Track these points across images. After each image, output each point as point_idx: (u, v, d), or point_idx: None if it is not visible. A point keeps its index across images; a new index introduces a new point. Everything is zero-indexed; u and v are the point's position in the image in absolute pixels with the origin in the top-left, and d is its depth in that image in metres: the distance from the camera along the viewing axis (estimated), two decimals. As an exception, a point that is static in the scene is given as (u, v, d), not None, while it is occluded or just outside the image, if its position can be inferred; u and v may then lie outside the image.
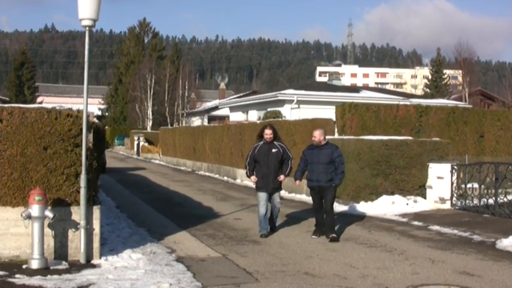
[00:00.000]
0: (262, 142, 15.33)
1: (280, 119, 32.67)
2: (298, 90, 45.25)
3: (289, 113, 41.20)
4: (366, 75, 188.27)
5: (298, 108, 42.16)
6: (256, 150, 15.32)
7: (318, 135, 15.02)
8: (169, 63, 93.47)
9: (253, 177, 15.43)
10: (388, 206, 19.63)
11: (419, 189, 20.54)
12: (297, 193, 24.65)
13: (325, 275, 10.88)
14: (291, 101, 42.70)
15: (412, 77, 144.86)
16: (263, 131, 15.37)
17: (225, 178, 33.98)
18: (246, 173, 15.90)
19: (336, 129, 24.32)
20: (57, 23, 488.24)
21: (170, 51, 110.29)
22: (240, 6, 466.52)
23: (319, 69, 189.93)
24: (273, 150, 15.19)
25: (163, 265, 11.42)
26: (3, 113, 11.36)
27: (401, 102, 29.90)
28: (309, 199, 22.82)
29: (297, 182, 15.33)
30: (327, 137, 22.11)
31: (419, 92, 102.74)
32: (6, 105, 12.01)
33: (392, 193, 20.20)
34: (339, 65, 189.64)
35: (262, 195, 15.25)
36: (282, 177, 15.16)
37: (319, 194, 15.02)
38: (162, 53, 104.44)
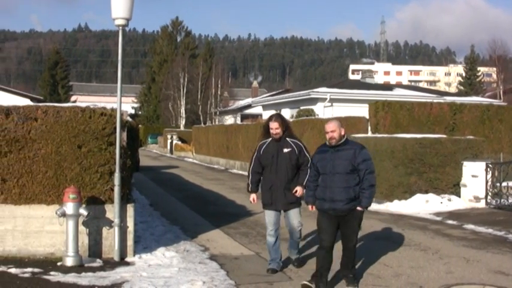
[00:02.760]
0: (270, 139, 11.13)
1: (313, 117, 32.60)
2: (331, 89, 45.10)
3: (322, 111, 41.08)
4: (399, 73, 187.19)
5: (331, 106, 42.00)
6: (262, 150, 11.11)
7: (332, 127, 9.78)
8: (202, 62, 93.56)
9: (253, 196, 11.18)
10: (422, 205, 19.51)
11: (454, 188, 20.38)
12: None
13: (358, 273, 10.83)
14: (324, 99, 42.55)
15: (445, 75, 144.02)
16: (268, 124, 11.23)
17: (259, 176, 33.96)
18: (248, 186, 11.34)
19: (369, 127, 24.23)
20: (90, 23, 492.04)
21: (203, 49, 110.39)
22: (273, 4, 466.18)
23: (352, 67, 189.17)
24: (285, 150, 10.91)
25: (197, 263, 11.45)
26: (38, 111, 11.47)
27: (435, 100, 29.69)
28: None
29: (310, 206, 10.17)
30: (358, 135, 22.13)
31: (453, 89, 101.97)
32: (40, 104, 12.13)
33: (426, 191, 20.06)
34: (372, 63, 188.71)
35: (270, 215, 10.95)
36: (298, 190, 10.75)
37: (333, 222, 9.69)
38: (194, 52, 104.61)
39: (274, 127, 10.95)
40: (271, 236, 10.95)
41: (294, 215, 10.94)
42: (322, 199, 9.75)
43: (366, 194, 9.57)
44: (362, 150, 9.74)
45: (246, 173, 30.35)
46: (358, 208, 9.59)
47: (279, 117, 11.22)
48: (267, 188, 10.97)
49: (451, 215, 18.23)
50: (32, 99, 54.09)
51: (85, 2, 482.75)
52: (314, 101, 43.12)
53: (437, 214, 18.40)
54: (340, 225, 9.70)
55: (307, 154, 10.97)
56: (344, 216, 9.62)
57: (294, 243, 11.25)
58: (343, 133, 9.85)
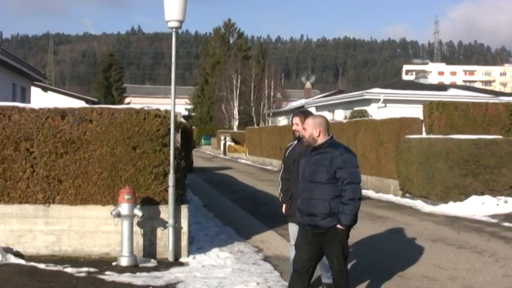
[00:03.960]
0: (296, 141, 9.57)
1: (366, 118, 32.42)
2: (384, 89, 44.83)
3: (375, 112, 40.84)
4: (453, 73, 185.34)
5: (385, 107, 41.75)
6: (287, 153, 9.74)
7: (304, 125, 8.37)
8: (254, 63, 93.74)
9: (285, 207, 9.72)
10: (478, 207, 19.25)
11: (510, 190, 20.07)
12: (384, 193, 24.43)
13: (413, 275, 10.75)
14: (377, 100, 42.32)
15: (501, 75, 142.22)
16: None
17: (311, 177, 33.84)
18: (279, 195, 10.12)
19: (423, 128, 24.01)
20: (143, 25, 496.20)
21: (255, 51, 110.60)
22: (325, 4, 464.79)
23: (405, 67, 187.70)
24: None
25: (251, 264, 11.47)
26: (93, 113, 11.60)
27: (490, 101, 29.29)
28: (398, 199, 22.65)
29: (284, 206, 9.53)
30: (412, 136, 21.94)
31: (508, 89, 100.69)
32: (95, 106, 12.26)
33: (482, 193, 19.79)
34: (426, 63, 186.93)
35: (291, 227, 9.52)
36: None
37: (311, 241, 8.17)
38: (247, 53, 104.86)
39: (295, 123, 9.41)
40: (292, 251, 9.08)
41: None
42: (299, 211, 8.27)
43: (345, 210, 7.81)
44: (342, 155, 7.94)
45: (299, 174, 29.60)
46: (338, 226, 7.89)
47: (300, 112, 9.61)
48: (288, 197, 9.53)
49: (508, 217, 17.95)
50: (86, 101, 54.70)
51: (138, 5, 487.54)
52: (367, 101, 42.91)
53: (493, 216, 18.14)
54: (322, 245, 8.12)
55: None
56: (324, 235, 8.01)
57: (325, 265, 9.12)
58: (317, 133, 8.09)
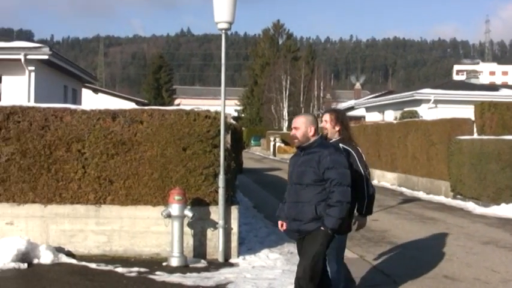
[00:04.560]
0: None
1: (417, 119, 32.17)
2: (435, 90, 44.39)
3: (426, 112, 40.47)
4: (505, 73, 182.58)
5: (436, 107, 41.34)
6: None
7: (295, 123, 7.81)
8: (303, 64, 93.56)
9: None
10: (531, 208, 18.98)
11: None
12: (435, 194, 24.20)
13: (465, 278, 10.63)
14: (427, 101, 41.93)
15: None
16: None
17: (361, 178, 33.66)
18: None
19: (475, 129, 23.74)
20: (192, 27, 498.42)
21: (304, 52, 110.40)
22: (374, 5, 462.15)
23: (456, 67, 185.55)
24: None
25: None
26: (143, 114, 11.69)
27: (544, 100, 28.84)
28: (449, 201, 22.41)
29: (279, 223, 8.26)
30: (463, 137, 21.68)
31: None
32: (146, 107, 12.36)
33: (536, 195, 19.50)
34: (477, 63, 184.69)
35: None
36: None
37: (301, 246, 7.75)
38: (296, 54, 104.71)
39: (324, 119, 8.77)
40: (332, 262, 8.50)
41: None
42: (287, 217, 7.78)
43: (331, 212, 7.25)
44: (331, 155, 7.43)
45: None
46: (321, 228, 7.31)
47: (333, 110, 9.19)
48: None
49: (562, 218, 17.68)
50: (136, 102, 55.16)
51: (187, 6, 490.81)
52: (418, 102, 42.54)
53: (547, 218, 17.86)
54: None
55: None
56: (306, 237, 7.54)
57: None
58: (311, 132, 7.65)
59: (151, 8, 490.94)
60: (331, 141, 8.45)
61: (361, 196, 8.43)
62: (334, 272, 8.35)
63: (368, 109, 55.59)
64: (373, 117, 52.20)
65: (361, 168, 8.49)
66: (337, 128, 8.64)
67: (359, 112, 64.42)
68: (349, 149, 8.45)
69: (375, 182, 31.26)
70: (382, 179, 30.97)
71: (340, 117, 8.75)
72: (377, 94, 76.05)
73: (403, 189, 27.01)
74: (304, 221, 7.41)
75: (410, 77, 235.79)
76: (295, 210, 7.51)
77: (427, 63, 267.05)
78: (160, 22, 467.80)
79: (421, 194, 24.76)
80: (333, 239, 7.54)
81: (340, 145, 8.35)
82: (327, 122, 8.70)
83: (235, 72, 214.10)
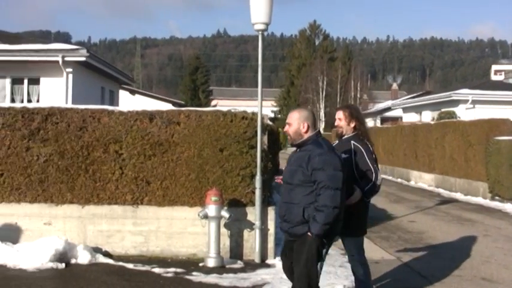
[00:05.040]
0: (337, 140, 8.65)
1: (454, 120, 31.91)
2: (472, 90, 43.95)
3: (463, 113, 40.12)
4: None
5: (473, 108, 40.96)
6: None
7: (289, 119, 7.35)
8: (340, 65, 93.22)
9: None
10: None
11: None
12: (472, 195, 23.97)
13: (503, 281, 10.52)
14: (465, 101, 41.55)
15: None
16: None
17: (399, 180, 33.53)
18: None
19: (513, 130, 23.48)
20: (229, 28, 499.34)
21: (341, 52, 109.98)
22: (411, 5, 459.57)
23: (494, 67, 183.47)
24: (342, 155, 7.66)
25: (337, 266, 11.38)
26: (180, 116, 11.74)
27: None
28: (487, 202, 22.20)
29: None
30: (502, 137, 21.45)
31: None
32: (183, 108, 12.41)
33: None
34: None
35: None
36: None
37: (291, 247, 7.30)
38: (333, 55, 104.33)
39: (338, 117, 8.48)
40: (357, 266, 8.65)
41: (346, 244, 8.63)
42: (279, 217, 7.42)
43: (316, 217, 6.75)
44: (322, 156, 6.90)
45: (386, 177, 29.55)
46: (308, 233, 6.87)
47: (345, 106, 8.81)
48: None
49: None
50: (173, 103, 55.35)
51: (224, 8, 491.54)
52: (455, 102, 42.18)
53: None
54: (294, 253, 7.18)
55: (367, 160, 8.09)
56: (295, 242, 7.13)
57: None
58: (304, 129, 7.16)
59: (187, 10, 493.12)
60: (344, 137, 8.31)
61: (368, 182, 8.14)
62: (362, 275, 8.24)
63: (405, 110, 55.24)
64: (410, 118, 51.87)
65: (369, 163, 8.16)
66: (352, 125, 8.35)
67: (396, 113, 64.00)
68: (359, 146, 8.13)
69: (412, 183, 31.14)
70: (419, 180, 30.77)
71: (355, 113, 8.48)
72: (414, 95, 75.56)
73: (441, 191, 26.80)
74: (292, 223, 7.02)
75: (448, 78, 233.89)
76: (284, 210, 7.13)
77: (465, 63, 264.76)
78: (196, 23, 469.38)
79: (458, 195, 24.55)
80: (324, 243, 7.02)
81: (352, 142, 8.13)
82: (340, 119, 8.39)
83: (271, 73, 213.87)
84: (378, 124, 68.45)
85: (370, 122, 76.40)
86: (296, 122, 7.17)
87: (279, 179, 7.91)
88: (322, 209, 6.71)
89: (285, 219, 7.12)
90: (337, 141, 8.49)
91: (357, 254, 8.34)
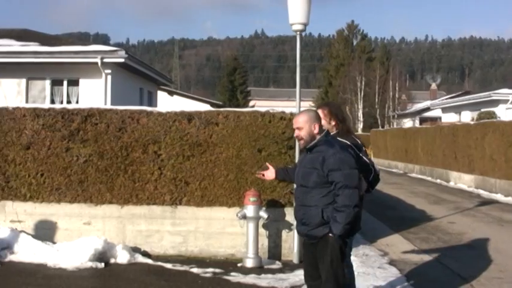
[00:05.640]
0: None
1: (494, 120, 31.60)
2: (513, 90, 43.57)
3: (504, 113, 39.73)
4: None
5: (514, 108, 40.61)
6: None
7: (296, 122, 7.18)
8: (378, 65, 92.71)
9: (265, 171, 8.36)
10: None
11: None
12: (513, 196, 23.73)
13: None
14: (505, 101, 41.15)
15: None
16: None
17: (438, 180, 33.26)
18: None
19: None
20: (266, 29, 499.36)
21: (379, 52, 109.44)
22: (450, 4, 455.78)
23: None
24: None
25: (376, 268, 11.34)
26: (219, 116, 11.77)
27: None
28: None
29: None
30: None
31: None
32: (221, 109, 12.44)
33: None
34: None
35: None
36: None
37: (310, 252, 7.20)
38: (371, 55, 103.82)
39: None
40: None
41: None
42: (296, 220, 7.31)
43: (337, 217, 6.69)
44: (336, 155, 6.82)
45: (425, 177, 29.35)
46: (330, 234, 6.81)
47: (324, 104, 8.77)
48: None
49: None
50: (211, 104, 55.51)
51: (261, 8, 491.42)
52: (495, 102, 41.80)
53: None
54: (318, 257, 7.05)
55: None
56: (316, 244, 6.99)
57: None
58: (316, 130, 7.03)
59: (225, 11, 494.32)
60: None
61: (368, 173, 8.02)
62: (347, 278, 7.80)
63: (444, 110, 54.88)
64: (449, 118, 51.52)
65: (361, 155, 8.00)
66: (332, 123, 8.23)
67: (435, 113, 63.59)
68: (346, 142, 7.75)
69: (451, 183, 30.87)
70: (459, 180, 30.49)
71: (334, 111, 8.35)
72: (453, 95, 74.95)
73: (480, 192, 26.52)
74: (311, 225, 6.89)
75: (487, 77, 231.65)
76: (302, 213, 7.00)
77: (505, 62, 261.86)
78: (234, 24, 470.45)
79: (499, 197, 24.27)
80: (346, 243, 7.11)
81: (338, 139, 7.62)
82: (322, 118, 7.78)
83: (309, 74, 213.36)
84: (417, 124, 68.06)
85: (408, 123, 76.04)
86: (307, 125, 7.03)
87: (260, 174, 8.09)
88: (343, 209, 6.66)
89: (303, 222, 7.01)
90: None
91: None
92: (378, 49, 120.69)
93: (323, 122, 7.78)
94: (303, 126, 7.04)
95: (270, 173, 8.07)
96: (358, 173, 6.93)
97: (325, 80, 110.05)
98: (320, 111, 8.05)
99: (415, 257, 12.64)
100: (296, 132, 7.13)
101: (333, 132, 8.08)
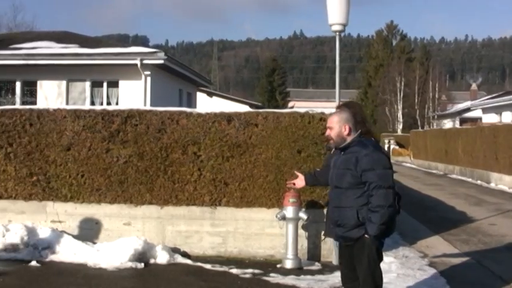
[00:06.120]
0: None
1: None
2: (556, 90, 43.07)
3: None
4: None
5: (557, 108, 40.14)
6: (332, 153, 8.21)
7: (329, 122, 7.22)
8: (418, 65, 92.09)
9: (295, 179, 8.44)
10: None
11: None
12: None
13: None
14: (548, 101, 40.74)
15: None
16: None
17: (478, 182, 32.95)
18: None
19: None
20: (305, 29, 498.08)
21: (419, 52, 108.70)
22: (490, 3, 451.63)
23: None
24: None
25: (416, 269, 11.25)
26: (258, 117, 11.77)
27: None
28: None
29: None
30: None
31: None
32: (260, 110, 12.45)
33: None
34: None
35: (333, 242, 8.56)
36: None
37: (346, 254, 7.22)
38: (410, 55, 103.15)
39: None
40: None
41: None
42: (330, 222, 7.40)
43: (372, 218, 6.68)
44: (369, 155, 6.80)
45: (466, 179, 29.03)
46: (365, 235, 6.80)
47: (343, 106, 8.41)
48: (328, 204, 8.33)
49: None
50: (250, 105, 55.56)
51: (300, 9, 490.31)
52: (538, 103, 41.39)
53: None
54: (355, 259, 7.04)
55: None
56: (353, 247, 6.99)
57: None
58: (346, 131, 7.01)
59: (263, 12, 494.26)
60: None
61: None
62: None
63: (484, 110, 54.39)
64: (490, 118, 51.04)
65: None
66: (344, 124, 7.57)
67: (475, 113, 63.02)
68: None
69: (492, 185, 30.57)
70: (500, 182, 30.17)
71: (352, 112, 7.71)
72: (494, 95, 74.17)
73: (522, 193, 26.26)
74: (347, 227, 6.88)
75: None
76: (337, 215, 6.99)
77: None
78: (272, 25, 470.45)
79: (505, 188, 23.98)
80: (383, 243, 7.07)
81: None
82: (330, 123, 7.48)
83: (348, 74, 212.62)
84: (457, 125, 67.52)
85: (448, 123, 75.44)
86: (337, 125, 7.04)
87: (290, 184, 8.31)
88: (377, 209, 6.65)
89: (339, 224, 6.99)
90: None
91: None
92: (417, 49, 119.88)
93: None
94: (333, 127, 7.07)
95: (299, 181, 8.23)
96: (392, 173, 6.92)
97: (365, 81, 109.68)
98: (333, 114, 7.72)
99: (455, 258, 12.53)
100: (327, 132, 7.19)
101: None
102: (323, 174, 7.98)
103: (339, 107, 8.30)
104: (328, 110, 12.07)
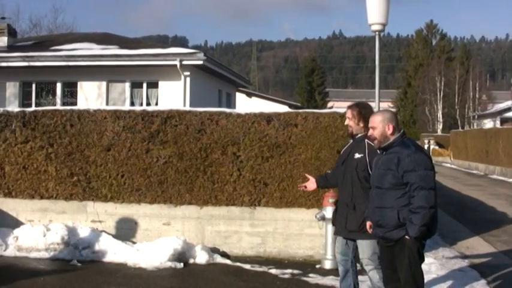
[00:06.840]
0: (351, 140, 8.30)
1: None
2: None
3: None
4: None
5: None
6: (342, 151, 8.49)
7: (372, 122, 7.26)
8: (458, 65, 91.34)
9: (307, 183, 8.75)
10: None
11: None
12: None
13: None
14: None
15: None
16: None
17: (520, 182, 32.65)
18: None
19: None
20: (344, 29, 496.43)
21: (459, 52, 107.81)
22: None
23: None
24: (356, 155, 7.90)
25: (456, 271, 11.18)
26: (298, 118, 11.77)
27: None
28: None
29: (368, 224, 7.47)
30: None
31: None
32: (300, 110, 12.44)
33: None
34: None
35: (337, 239, 8.44)
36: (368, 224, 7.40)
37: (387, 254, 7.20)
38: (450, 55, 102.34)
39: (347, 116, 8.19)
40: (339, 265, 8.47)
41: (360, 248, 7.99)
42: (372, 222, 7.26)
43: (413, 219, 6.65)
44: (411, 156, 6.80)
45: (506, 179, 28.78)
46: (406, 237, 6.77)
47: (355, 105, 8.30)
48: (336, 203, 8.48)
49: None
50: (289, 105, 55.53)
51: (339, 9, 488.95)
52: None
53: None
54: (397, 260, 7.02)
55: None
56: (393, 247, 6.98)
57: None
58: (390, 131, 7.04)
59: (302, 12, 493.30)
60: (357, 136, 8.01)
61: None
62: (378, 280, 7.78)
63: (526, 110, 53.82)
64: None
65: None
66: (361, 125, 7.96)
67: (516, 113, 62.42)
68: (373, 145, 7.49)
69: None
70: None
71: (363, 112, 8.01)
72: (536, 95, 73.39)
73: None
74: (387, 227, 6.88)
75: None
76: (378, 215, 6.99)
77: None
78: (311, 25, 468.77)
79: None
80: (424, 245, 7.05)
81: (366, 141, 7.74)
82: (349, 118, 8.08)
83: (387, 74, 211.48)
84: (498, 125, 66.89)
85: (489, 123, 74.73)
86: (381, 125, 7.06)
87: (302, 187, 8.62)
88: (418, 210, 6.63)
89: (379, 224, 6.99)
90: (350, 141, 8.23)
91: (373, 259, 7.81)
92: (457, 49, 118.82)
93: (351, 123, 8.04)
94: (376, 126, 7.08)
95: (311, 184, 8.52)
96: (434, 174, 6.88)
97: (404, 81, 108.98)
98: (349, 112, 8.12)
99: (496, 260, 12.43)
100: (370, 132, 7.18)
101: (361, 134, 7.97)
102: (333, 176, 8.24)
103: (350, 107, 8.25)
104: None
